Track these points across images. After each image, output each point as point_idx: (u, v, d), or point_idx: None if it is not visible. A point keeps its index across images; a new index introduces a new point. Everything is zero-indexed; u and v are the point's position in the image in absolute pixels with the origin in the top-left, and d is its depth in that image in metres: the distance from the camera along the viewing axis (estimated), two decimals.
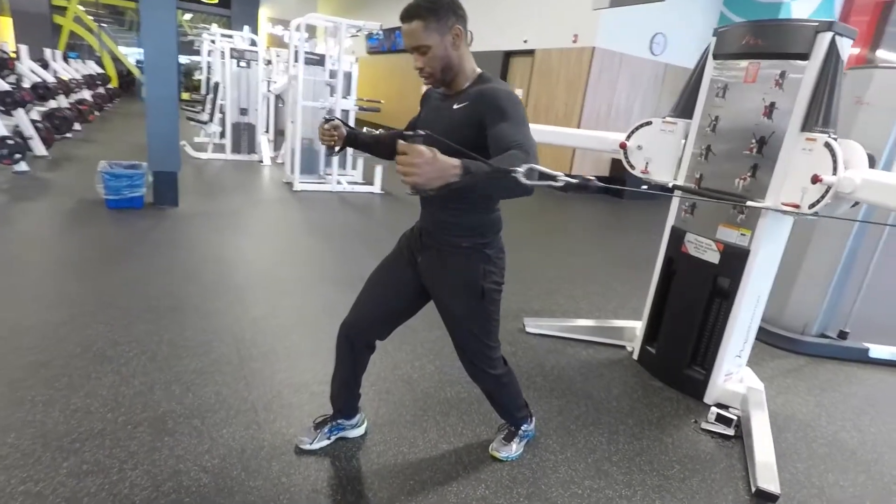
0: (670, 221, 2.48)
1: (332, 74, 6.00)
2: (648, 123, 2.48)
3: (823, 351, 3.03)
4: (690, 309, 2.39)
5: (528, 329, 2.87)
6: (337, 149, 1.62)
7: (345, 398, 1.76)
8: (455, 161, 1.03)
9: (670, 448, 2.01)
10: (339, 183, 6.09)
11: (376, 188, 6.22)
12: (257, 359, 2.29)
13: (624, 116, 8.09)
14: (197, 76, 9.85)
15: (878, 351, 3.01)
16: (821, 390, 2.65)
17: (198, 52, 10.24)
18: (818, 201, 1.83)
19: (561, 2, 7.87)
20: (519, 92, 9.01)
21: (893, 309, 3.56)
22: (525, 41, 8.61)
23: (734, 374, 2.37)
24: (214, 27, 8.08)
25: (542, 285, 3.65)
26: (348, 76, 6.30)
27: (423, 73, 1.38)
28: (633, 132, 2.52)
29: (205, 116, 7.43)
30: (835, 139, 1.84)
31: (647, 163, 2.49)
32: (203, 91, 8.65)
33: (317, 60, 5.92)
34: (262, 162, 7.24)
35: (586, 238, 5.59)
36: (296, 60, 5.60)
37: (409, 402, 2.10)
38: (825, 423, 2.34)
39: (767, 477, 1.80)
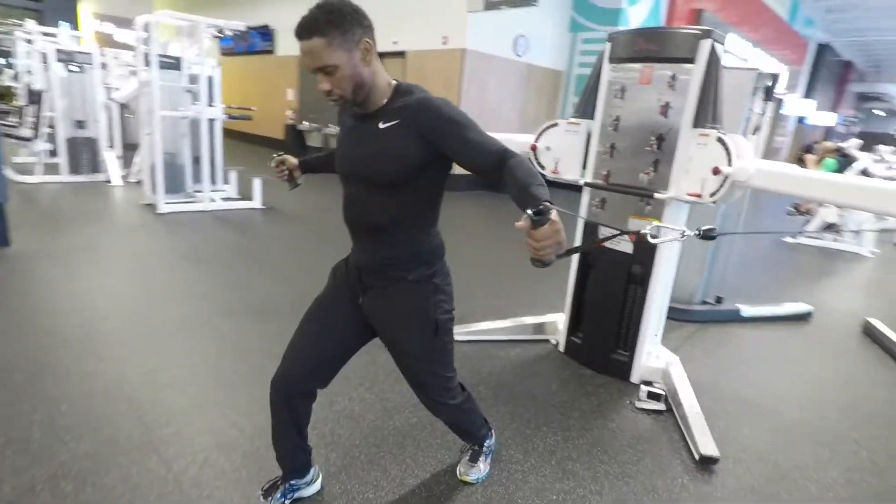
0: (581, 217, 2.60)
1: (193, 79, 5.38)
2: (555, 125, 2.57)
3: (707, 316, 3.44)
4: (610, 298, 2.53)
5: (456, 337, 2.82)
6: (298, 180, 1.67)
7: (294, 457, 1.55)
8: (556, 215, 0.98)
9: (618, 433, 2.11)
10: (212, 200, 5.49)
11: (256, 203, 5.73)
12: (166, 423, 1.94)
13: (495, 115, 8.44)
14: (2, 82, 8.17)
15: (746, 311, 3.49)
16: (713, 352, 3.00)
17: (5, 54, 8.53)
18: (718, 190, 2.04)
19: (429, 4, 7.94)
20: None
21: (753, 275, 4.17)
22: (395, 42, 8.54)
23: (653, 352, 2.57)
24: (31, 24, 6.76)
25: (458, 289, 3.62)
26: (209, 81, 5.69)
27: (332, 96, 1.20)
28: (541, 134, 2.59)
29: (26, 131, 6.21)
30: (724, 134, 2.06)
31: (556, 163, 2.58)
32: (21, 101, 7.22)
33: (172, 64, 5.25)
34: (110, 182, 6.26)
35: (481, 233, 5.72)
36: (146, 64, 4.90)
37: (360, 441, 1.93)
38: (725, 382, 2.64)
39: (706, 443, 1.98)
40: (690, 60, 2.12)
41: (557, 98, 9.47)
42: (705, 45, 2.09)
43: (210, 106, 5.33)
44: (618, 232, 2.30)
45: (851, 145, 6.72)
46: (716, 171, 1.99)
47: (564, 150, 2.56)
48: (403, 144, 1.22)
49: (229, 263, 3.88)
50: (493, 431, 1.87)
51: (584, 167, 2.53)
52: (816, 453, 2.09)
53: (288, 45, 11.06)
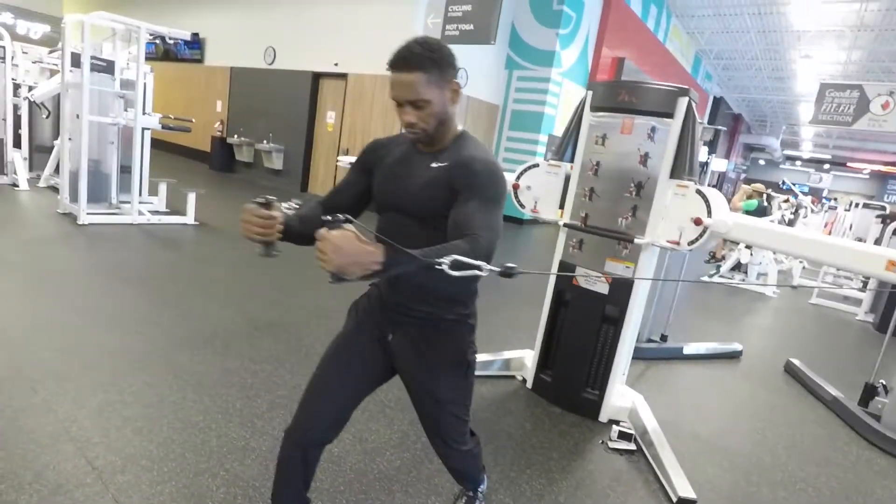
0: (558, 256, 2.66)
1: (125, 84, 4.97)
2: (535, 166, 2.63)
3: (654, 353, 3.61)
4: (583, 336, 2.58)
5: None
6: (275, 250, 1.19)
7: None
8: (373, 249, 0.94)
9: (596, 475, 2.13)
10: (141, 213, 5.04)
11: (189, 218, 5.34)
12: (122, 469, 1.70)
13: None
14: None
15: (689, 348, 3.72)
16: (666, 389, 3.14)
17: None
18: (696, 239, 2.17)
19: (373, 29, 7.96)
20: (332, 114, 8.81)
21: (684, 313, 4.47)
22: (336, 64, 8.46)
23: (619, 391, 2.64)
24: None
25: None
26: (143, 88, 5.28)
27: (415, 129, 1.19)
28: (522, 173, 2.64)
29: None
30: (702, 187, 2.21)
31: (535, 202, 2.64)
32: None
33: (104, 67, 4.82)
34: (17, 186, 5.57)
35: None
36: (75, 65, 4.47)
37: (344, 487, 1.80)
38: (682, 420, 2.76)
39: (683, 485, 2.04)
40: (669, 115, 2.27)
41: (494, 130, 9.78)
42: (683, 103, 2.24)
43: (146, 114, 4.94)
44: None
45: (785, 203, 7.44)
46: (697, 222, 2.12)
47: (544, 190, 2.62)
48: (442, 186, 1.21)
49: (169, 285, 3.55)
50: (486, 475, 1.82)
51: (562, 207, 2.61)
52: (775, 494, 2.22)
53: (218, 54, 10.58)
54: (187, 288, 3.53)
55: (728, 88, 17.31)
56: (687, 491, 2.01)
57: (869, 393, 3.15)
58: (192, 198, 5.33)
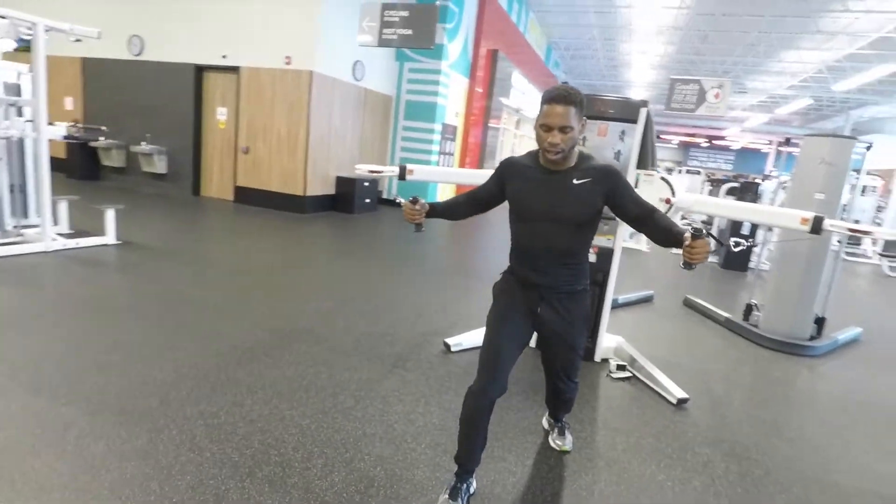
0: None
1: (11, 89, 4.39)
2: None
3: None
4: None
5: (453, 349, 3.19)
6: (423, 226, 1.94)
7: (479, 456, 1.83)
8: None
9: (617, 399, 2.82)
10: (54, 239, 4.53)
11: (110, 238, 4.91)
12: (270, 454, 1.91)
13: (341, 137, 8.67)
14: None
15: (621, 299, 4.64)
16: (622, 331, 3.95)
17: None
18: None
19: (269, 22, 7.73)
20: (223, 111, 8.38)
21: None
22: (224, 56, 8.04)
23: (606, 336, 3.37)
24: None
25: (422, 307, 3.93)
26: (16, 89, 4.65)
27: (557, 149, 1.62)
28: None
29: None
30: (664, 174, 2.95)
31: None
32: None
33: None
34: None
35: (377, 253, 5.93)
36: None
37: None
38: (646, 351, 3.55)
39: (677, 390, 2.82)
40: (634, 121, 2.97)
41: (389, 120, 10.11)
42: (644, 112, 2.96)
43: (51, 125, 4.43)
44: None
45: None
46: (667, 202, 2.87)
47: None
48: (593, 197, 1.70)
49: (158, 311, 3.42)
50: None
51: None
52: (723, 387, 3.14)
53: (62, 43, 9.08)
54: (179, 312, 3.43)
55: (573, 75, 19.59)
56: (681, 393, 2.79)
57: (748, 311, 4.33)
58: (111, 215, 4.91)
